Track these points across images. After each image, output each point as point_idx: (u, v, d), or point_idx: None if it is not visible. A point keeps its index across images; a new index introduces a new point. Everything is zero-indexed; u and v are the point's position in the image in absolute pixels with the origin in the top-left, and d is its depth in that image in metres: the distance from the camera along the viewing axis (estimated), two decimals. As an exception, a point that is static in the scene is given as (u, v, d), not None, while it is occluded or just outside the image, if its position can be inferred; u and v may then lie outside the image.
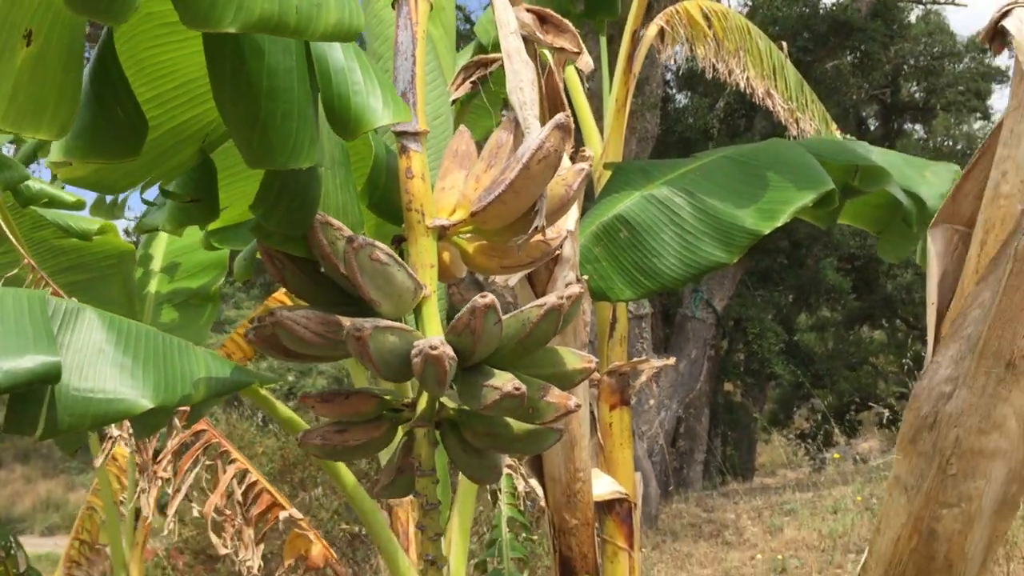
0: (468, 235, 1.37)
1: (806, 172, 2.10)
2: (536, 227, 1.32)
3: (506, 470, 3.43)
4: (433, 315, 1.29)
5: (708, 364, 11.70)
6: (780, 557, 7.36)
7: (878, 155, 2.36)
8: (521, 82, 1.42)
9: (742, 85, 4.41)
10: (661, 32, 3.77)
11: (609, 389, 3.33)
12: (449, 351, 1.16)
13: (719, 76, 4.43)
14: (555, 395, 1.30)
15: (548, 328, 1.30)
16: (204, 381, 1.60)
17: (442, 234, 1.32)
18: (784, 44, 4.76)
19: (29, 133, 1.06)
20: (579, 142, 3.41)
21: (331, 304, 1.32)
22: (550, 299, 1.29)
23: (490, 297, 1.18)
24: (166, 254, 3.07)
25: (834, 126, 5.20)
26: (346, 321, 1.21)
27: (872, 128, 15.20)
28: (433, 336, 1.22)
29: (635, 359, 3.33)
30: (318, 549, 2.57)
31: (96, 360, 1.54)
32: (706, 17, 4.05)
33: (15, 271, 2.16)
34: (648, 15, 3.79)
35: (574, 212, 1.84)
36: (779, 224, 2.06)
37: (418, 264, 1.29)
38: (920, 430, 1.37)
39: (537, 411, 1.29)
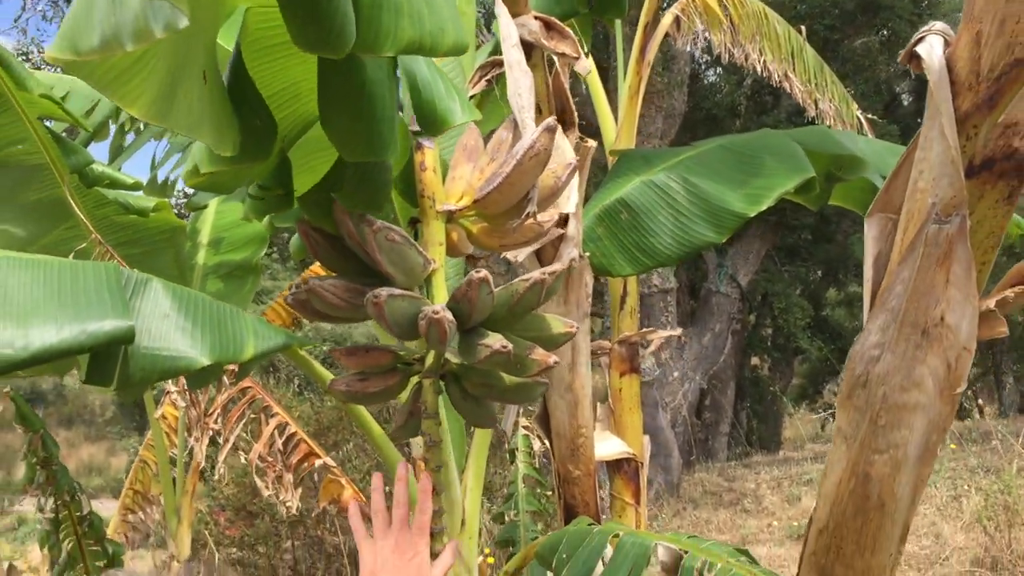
0: (472, 218, 1.62)
1: (791, 161, 2.32)
2: (528, 213, 1.58)
3: (523, 431, 3.70)
4: (440, 285, 1.55)
5: (733, 338, 11.88)
6: (796, 524, 7.59)
7: (863, 144, 2.56)
8: (520, 88, 1.67)
9: (759, 70, 4.60)
10: (676, 20, 3.97)
11: (619, 357, 3.56)
12: (449, 315, 1.41)
13: (735, 61, 4.62)
14: (538, 353, 1.56)
15: (532, 298, 1.55)
16: (252, 341, 1.87)
17: (450, 217, 1.58)
18: (803, 28, 4.92)
19: (211, 146, 1.33)
20: (595, 130, 3.63)
21: (355, 275, 1.58)
22: (534, 274, 1.54)
23: (484, 272, 1.44)
24: (212, 229, 3.34)
25: (855, 106, 5.35)
26: (367, 290, 1.48)
27: (905, 103, 15.17)
28: (437, 303, 1.48)
29: (644, 329, 3.55)
30: (349, 493, 2.85)
31: (162, 324, 1.80)
32: (722, 4, 4.23)
33: (83, 245, 2.44)
34: (663, 5, 3.99)
35: (575, 195, 2.08)
36: (763, 208, 2.28)
37: (429, 242, 1.56)
38: (855, 388, 1.61)
39: (523, 366, 1.55)
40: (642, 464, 3.43)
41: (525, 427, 3.69)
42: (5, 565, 2.58)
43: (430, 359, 1.57)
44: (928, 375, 1.51)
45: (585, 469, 2.52)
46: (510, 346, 1.45)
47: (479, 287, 1.43)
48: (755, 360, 15.86)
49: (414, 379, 1.62)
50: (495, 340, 1.46)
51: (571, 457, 2.50)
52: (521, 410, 3.72)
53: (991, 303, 1.47)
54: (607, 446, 3.39)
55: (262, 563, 6.85)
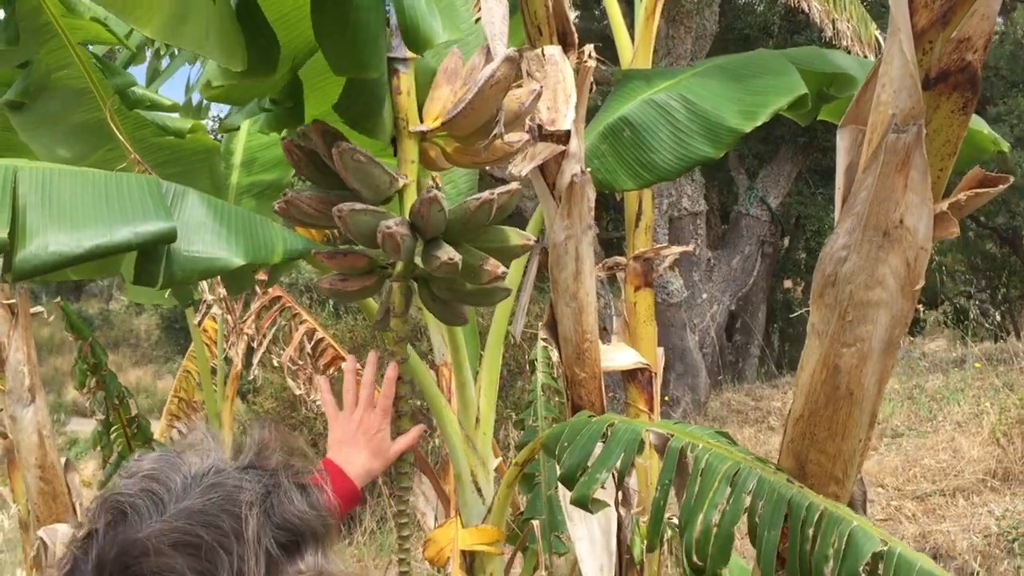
0: (446, 138, 1.79)
1: (785, 79, 2.42)
2: (495, 134, 1.74)
3: (542, 342, 3.87)
4: (411, 199, 1.73)
5: (764, 261, 11.95)
6: (818, 441, 7.75)
7: (854, 63, 2.64)
8: (493, 16, 1.81)
9: (777, -10, 4.62)
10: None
11: (634, 273, 3.70)
12: (401, 230, 1.60)
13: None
14: (490, 264, 1.74)
15: (482, 215, 1.72)
16: (281, 246, 2.04)
17: (423, 137, 1.76)
18: (824, -53, 4.92)
19: (220, 62, 1.49)
20: (613, 51, 3.71)
21: (333, 188, 1.77)
22: (484, 194, 1.71)
23: (435, 192, 1.62)
24: (244, 151, 3.50)
25: (873, 26, 5.36)
26: (339, 202, 1.66)
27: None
28: (397, 217, 1.66)
29: (659, 245, 3.68)
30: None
31: (200, 229, 1.97)
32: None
33: (123, 164, 2.62)
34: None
35: (572, 113, 2.22)
36: (758, 123, 2.40)
37: (403, 159, 1.75)
38: (825, 287, 1.74)
39: (476, 275, 1.73)
40: (655, 374, 3.60)
41: (544, 339, 3.86)
42: (63, 461, 2.84)
43: (398, 267, 1.76)
44: (890, 274, 1.65)
45: (591, 372, 2.69)
46: (457, 258, 1.63)
47: (429, 206, 1.61)
48: (788, 283, 15.91)
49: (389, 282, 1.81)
50: (445, 252, 1.65)
51: (577, 360, 2.66)
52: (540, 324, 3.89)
53: (944, 206, 1.60)
54: (622, 357, 3.55)
55: (302, 474, 7.15)
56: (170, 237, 1.77)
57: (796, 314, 14.22)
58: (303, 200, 1.73)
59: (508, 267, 1.82)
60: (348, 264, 1.76)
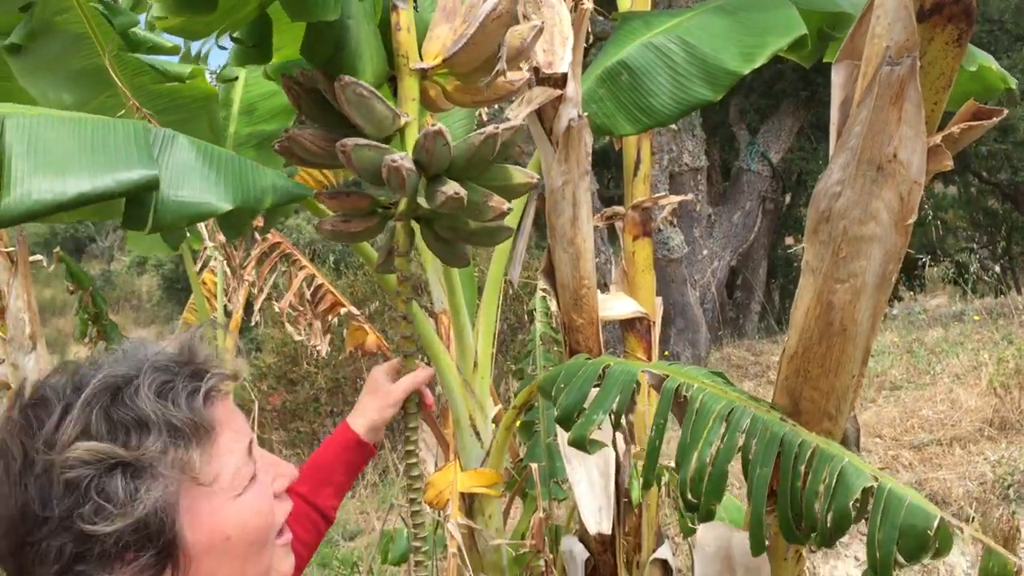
0: (447, 76, 1.78)
1: (784, 20, 2.40)
2: (498, 71, 1.73)
3: (540, 292, 3.89)
4: (412, 137, 1.72)
5: (765, 217, 11.93)
6: (817, 394, 7.79)
7: (855, 2, 2.62)
8: None
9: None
10: None
11: (632, 222, 3.69)
12: (407, 164, 1.59)
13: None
14: (494, 200, 1.73)
15: (487, 150, 1.71)
16: (271, 190, 2.04)
17: (423, 75, 1.74)
18: None
19: None
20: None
21: (334, 126, 1.76)
22: (488, 128, 1.70)
23: (439, 126, 1.60)
24: (243, 101, 3.49)
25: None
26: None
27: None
28: (400, 152, 1.66)
29: (656, 195, 3.67)
30: (372, 339, 3.09)
31: (188, 173, 1.96)
32: None
33: (122, 112, 2.61)
34: None
35: (569, 56, 2.21)
36: (756, 65, 2.38)
37: (404, 97, 1.73)
38: (819, 223, 1.75)
39: (480, 211, 1.73)
40: (654, 323, 3.62)
41: (543, 289, 3.88)
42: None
43: (401, 205, 1.76)
44: (883, 208, 1.65)
45: (588, 318, 2.70)
46: (463, 192, 1.63)
47: (434, 139, 1.60)
48: (789, 240, 15.89)
49: (391, 223, 1.81)
50: (451, 187, 1.64)
51: (575, 307, 2.68)
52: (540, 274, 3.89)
53: (938, 139, 1.60)
54: (620, 306, 3.56)
55: (303, 428, 7.27)
56: (152, 185, 1.78)
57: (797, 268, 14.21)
58: (305, 137, 1.72)
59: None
60: (350, 205, 1.76)
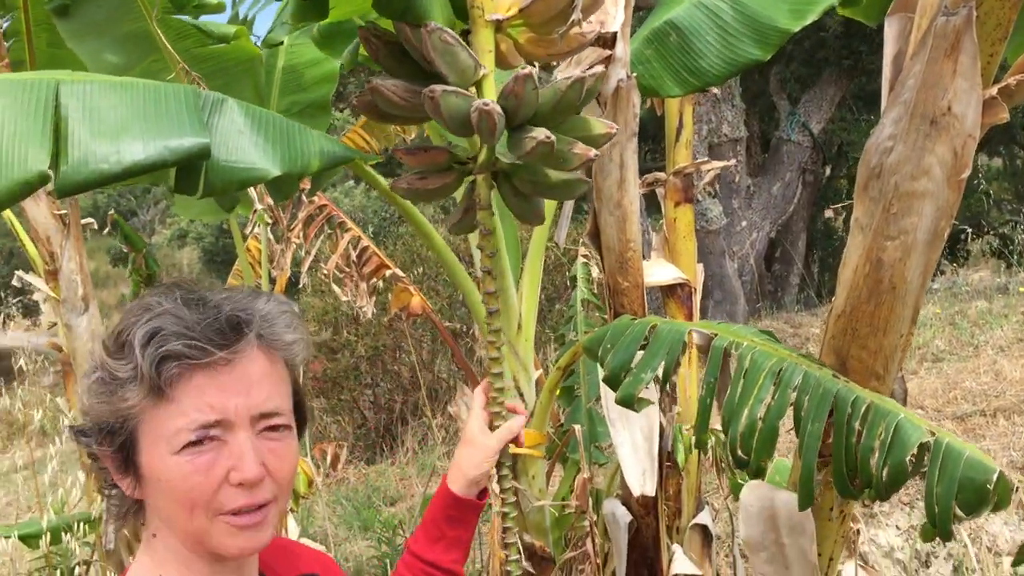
0: (520, 28, 1.77)
1: (836, -30, 2.37)
2: (573, 21, 1.71)
3: (581, 259, 3.89)
4: (490, 89, 1.71)
5: (805, 189, 11.79)
6: (858, 366, 7.72)
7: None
8: None
9: None
10: None
11: (674, 188, 3.68)
12: (497, 108, 1.58)
13: None
14: (580, 147, 1.72)
15: (573, 95, 1.70)
16: (318, 154, 2.06)
17: (498, 27, 1.73)
18: None
19: None
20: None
21: (412, 77, 1.75)
22: (575, 72, 1.69)
23: (529, 69, 1.59)
24: (286, 67, 3.51)
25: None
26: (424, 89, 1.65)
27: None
28: (487, 98, 1.65)
29: (700, 160, 3.65)
30: (417, 300, 3.11)
31: (238, 139, 1.98)
32: None
33: (171, 76, 2.64)
34: None
35: (621, 15, 2.20)
36: (808, 22, 2.35)
37: (479, 50, 1.71)
38: (870, 179, 1.73)
39: (565, 159, 1.71)
40: (695, 289, 3.61)
41: (584, 256, 3.88)
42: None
43: (482, 156, 1.75)
44: (936, 163, 1.64)
45: (633, 281, 2.70)
46: (553, 138, 1.61)
47: (524, 82, 1.59)
48: (829, 212, 15.69)
49: (467, 180, 1.80)
50: (540, 132, 1.63)
51: (620, 270, 2.68)
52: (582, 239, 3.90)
53: (993, 91, 1.58)
54: (662, 272, 3.56)
55: (344, 397, 7.34)
56: (204, 153, 1.80)
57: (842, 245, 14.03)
58: (388, 88, 1.70)
59: (592, 158, 1.79)
60: (428, 160, 1.76)
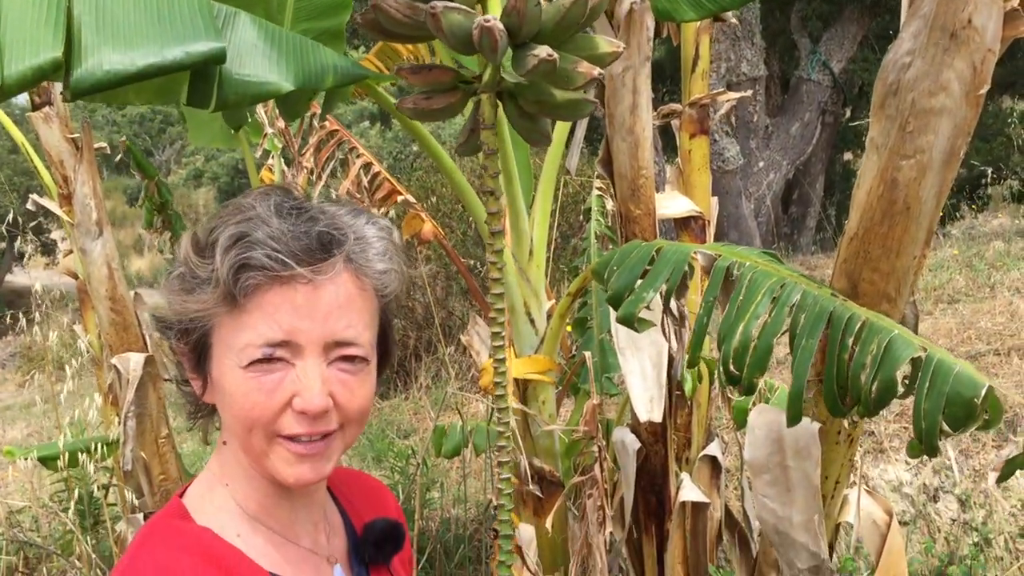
0: None
1: None
2: None
3: (597, 192, 3.87)
4: (495, 5, 1.69)
5: (824, 130, 11.65)
6: (872, 307, 7.70)
7: None
8: None
9: None
10: None
11: (689, 120, 3.64)
12: (499, 25, 1.56)
13: None
14: (584, 66, 1.70)
15: (577, 12, 1.67)
16: (332, 70, 2.05)
17: None
18: None
19: None
20: None
21: None
22: None
23: None
24: (297, -3, 3.46)
25: None
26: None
27: None
28: (489, 14, 1.63)
29: (715, 91, 3.60)
30: (428, 227, 3.10)
31: (251, 52, 1.97)
32: None
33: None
34: None
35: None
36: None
37: None
38: (886, 96, 1.71)
39: (570, 78, 1.69)
40: (709, 222, 3.59)
41: (599, 188, 3.86)
42: (132, 294, 2.93)
43: (487, 75, 1.73)
44: (955, 78, 1.61)
45: (645, 208, 2.69)
46: (555, 55, 1.59)
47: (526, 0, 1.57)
48: (848, 156, 15.53)
49: (473, 100, 1.78)
50: (542, 50, 1.61)
51: (632, 197, 2.67)
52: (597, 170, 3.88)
53: (1015, 2, 1.54)
54: (675, 204, 3.53)
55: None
56: (220, 57, 1.78)
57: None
58: (391, 5, 1.68)
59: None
60: (433, 78, 1.74)
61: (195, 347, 1.11)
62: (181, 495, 1.16)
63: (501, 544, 1.79)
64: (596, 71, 1.71)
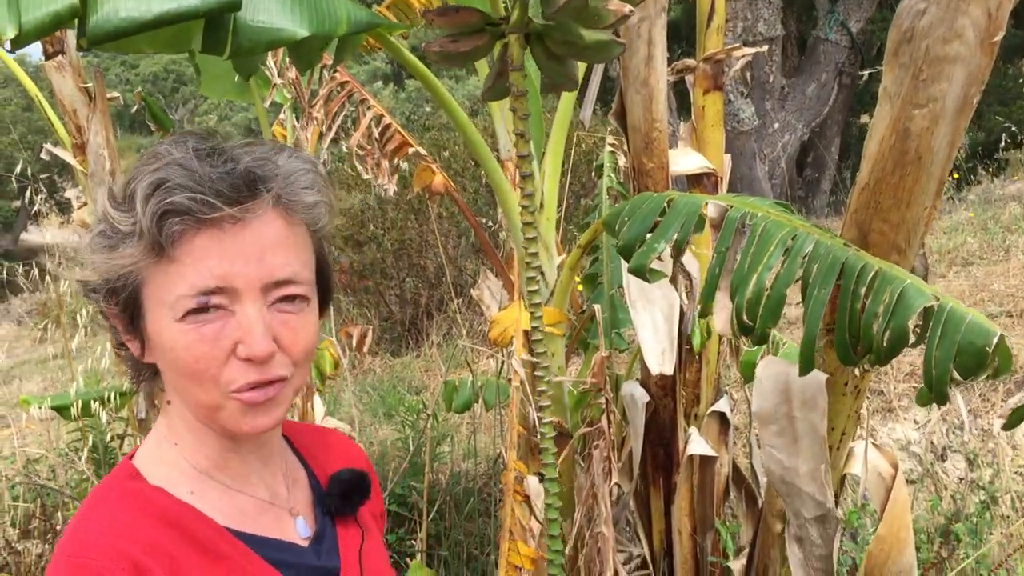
0: None
1: None
2: None
3: (609, 148, 3.86)
4: None
5: (841, 92, 11.53)
6: (885, 270, 7.67)
7: None
8: None
9: None
10: None
11: (704, 75, 3.60)
12: None
13: None
14: (614, 3, 1.68)
15: None
16: (346, 18, 2.04)
17: None
18: None
19: None
20: None
21: None
22: None
23: None
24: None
25: None
26: None
27: None
28: None
29: (730, 46, 3.57)
30: (440, 179, 3.10)
31: (265, 0, 1.99)
32: None
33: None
34: None
35: None
36: None
37: None
38: (900, 44, 1.69)
39: (600, 16, 1.68)
40: (721, 179, 3.58)
41: (612, 144, 3.85)
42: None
43: (515, 15, 1.72)
44: (969, 25, 1.60)
45: (658, 162, 2.69)
46: None
47: None
48: (865, 119, 15.37)
49: (499, 43, 1.77)
50: None
51: (645, 150, 2.66)
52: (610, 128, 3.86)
53: (1033, -54, 1.52)
54: (688, 161, 3.52)
55: (370, 288, 7.43)
56: (235, 5, 1.78)
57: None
58: None
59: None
60: (460, 21, 1.72)
61: (126, 306, 1.06)
62: (131, 457, 1.14)
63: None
64: (627, 8, 1.69)
